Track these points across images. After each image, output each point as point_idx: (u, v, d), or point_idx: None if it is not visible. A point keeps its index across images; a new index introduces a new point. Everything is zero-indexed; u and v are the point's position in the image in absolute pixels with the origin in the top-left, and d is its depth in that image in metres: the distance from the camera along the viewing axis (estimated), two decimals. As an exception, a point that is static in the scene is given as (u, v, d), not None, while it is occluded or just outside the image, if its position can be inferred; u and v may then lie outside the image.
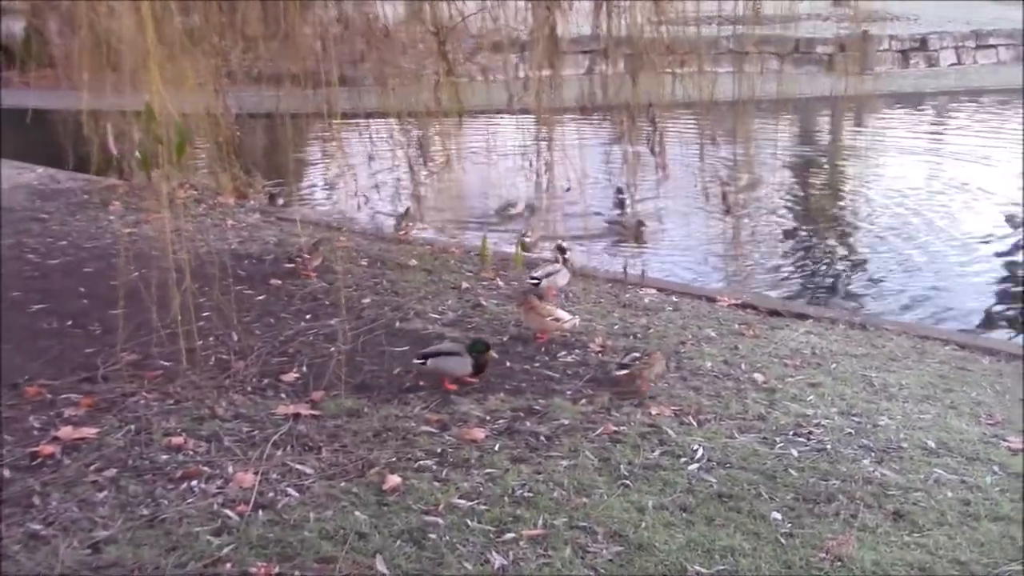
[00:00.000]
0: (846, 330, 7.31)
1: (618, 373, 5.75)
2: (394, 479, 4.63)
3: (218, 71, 7.66)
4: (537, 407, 5.55)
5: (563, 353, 6.47)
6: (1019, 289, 9.22)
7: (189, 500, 4.44)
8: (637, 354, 5.78)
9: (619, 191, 11.05)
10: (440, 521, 4.29)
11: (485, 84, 8.13)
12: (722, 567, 4.01)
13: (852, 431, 5.37)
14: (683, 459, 4.96)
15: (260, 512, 4.36)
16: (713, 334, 7.01)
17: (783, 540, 4.21)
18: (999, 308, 8.88)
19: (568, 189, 7.61)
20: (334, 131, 7.21)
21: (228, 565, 3.96)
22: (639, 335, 6.89)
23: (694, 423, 5.40)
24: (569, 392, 5.80)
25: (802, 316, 7.60)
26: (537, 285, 7.41)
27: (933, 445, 5.21)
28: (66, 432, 5.02)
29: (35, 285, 7.69)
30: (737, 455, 5.01)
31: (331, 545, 4.10)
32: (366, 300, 7.44)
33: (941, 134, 18.19)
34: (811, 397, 5.85)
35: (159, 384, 5.72)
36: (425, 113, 7.80)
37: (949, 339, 7.25)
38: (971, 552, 4.16)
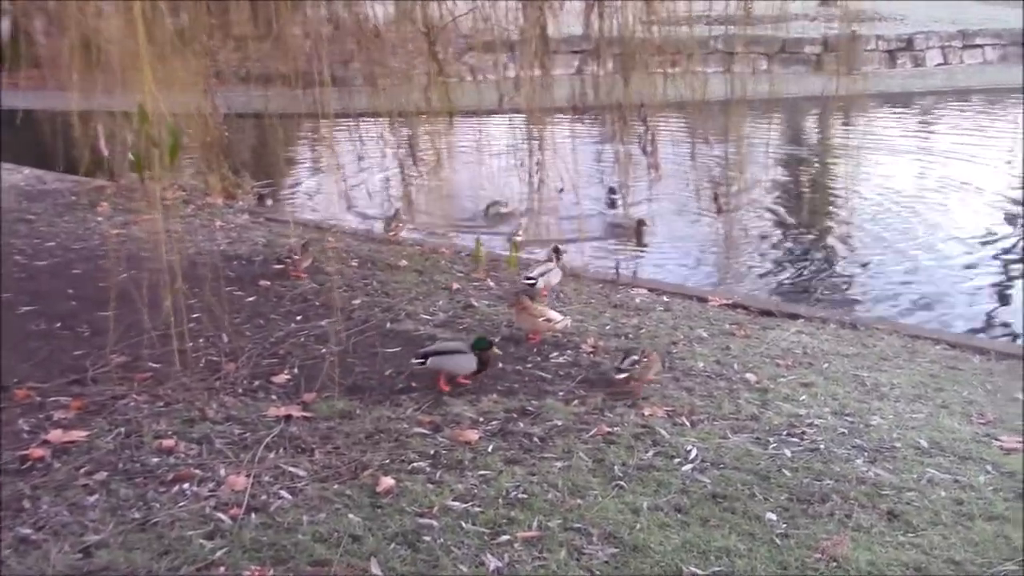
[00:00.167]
0: (837, 330, 7.32)
1: (618, 377, 5.74)
2: (387, 481, 4.60)
3: (206, 71, 7.63)
4: (530, 408, 5.53)
5: (555, 354, 6.46)
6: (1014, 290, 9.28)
7: (181, 503, 4.41)
8: (635, 358, 5.76)
9: (611, 191, 11.04)
10: (434, 523, 4.27)
11: (475, 84, 8.10)
12: (718, 568, 4.00)
13: (845, 431, 5.37)
14: (677, 460, 4.95)
15: (253, 515, 4.33)
16: (704, 334, 7.01)
17: (778, 541, 4.20)
18: (997, 309, 8.90)
19: (561, 189, 7.60)
20: (323, 131, 7.19)
21: (221, 569, 3.92)
22: (631, 335, 6.89)
23: (687, 424, 5.39)
24: (562, 393, 5.79)
25: (793, 316, 7.61)
26: (533, 285, 7.40)
27: (926, 445, 5.21)
28: (56, 435, 4.98)
29: (23, 287, 7.63)
30: (731, 455, 5.00)
31: (325, 548, 4.07)
32: (356, 301, 7.42)
33: (930, 133, 18.25)
34: (803, 397, 5.85)
35: (149, 386, 5.68)
36: (415, 113, 7.78)
37: (939, 338, 7.27)
38: (966, 552, 4.16)
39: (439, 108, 7.59)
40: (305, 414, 5.37)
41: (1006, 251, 10.51)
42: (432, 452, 4.96)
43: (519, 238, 9.61)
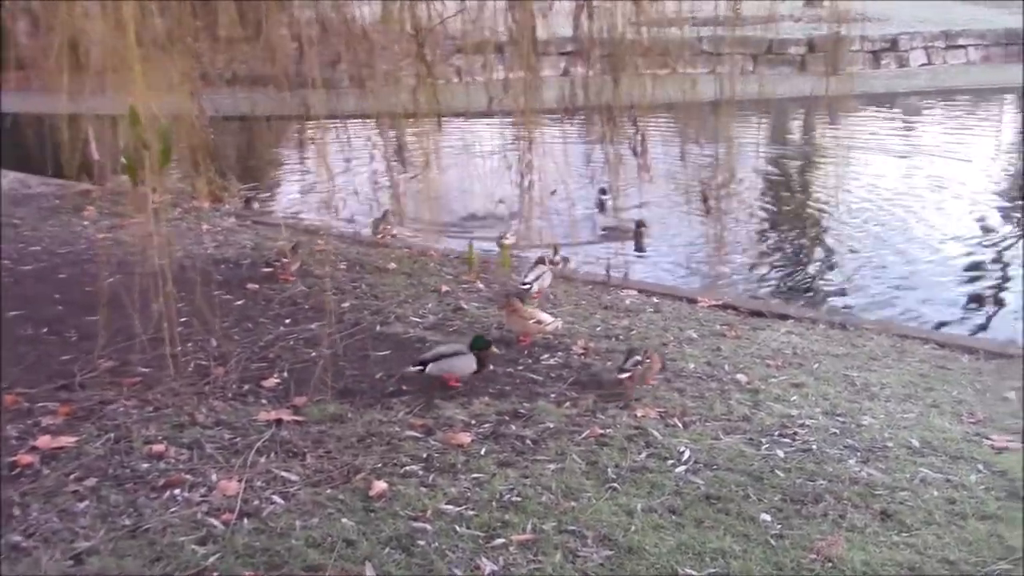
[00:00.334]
0: (826, 330, 7.32)
1: (620, 377, 5.73)
2: (380, 485, 4.58)
3: (192, 73, 7.58)
4: (522, 410, 5.51)
5: (546, 356, 6.44)
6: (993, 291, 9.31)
7: (172, 509, 4.37)
8: (639, 358, 5.75)
9: (602, 191, 11.01)
10: (428, 527, 4.25)
11: (464, 86, 8.08)
12: (713, 570, 4.00)
13: (836, 431, 5.37)
14: (670, 461, 4.94)
15: (245, 520, 4.30)
16: (695, 335, 7.01)
17: (773, 542, 4.20)
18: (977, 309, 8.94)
19: (554, 191, 7.59)
20: (311, 134, 7.15)
21: (214, 575, 3.90)
22: (621, 336, 6.88)
23: (679, 425, 5.39)
24: (553, 395, 5.77)
25: (783, 316, 7.61)
26: (528, 290, 7.37)
27: (917, 444, 5.22)
28: (44, 441, 4.93)
29: (8, 291, 7.56)
30: (723, 456, 5.00)
31: (319, 553, 4.04)
32: (346, 304, 7.39)
33: (915, 133, 18.33)
34: (794, 397, 5.86)
35: (138, 391, 5.64)
36: (403, 115, 7.74)
37: (928, 338, 7.29)
38: (959, 551, 4.16)
39: (427, 110, 7.56)
40: (296, 418, 5.35)
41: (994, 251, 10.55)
42: (424, 455, 4.94)
43: (508, 240, 9.58)
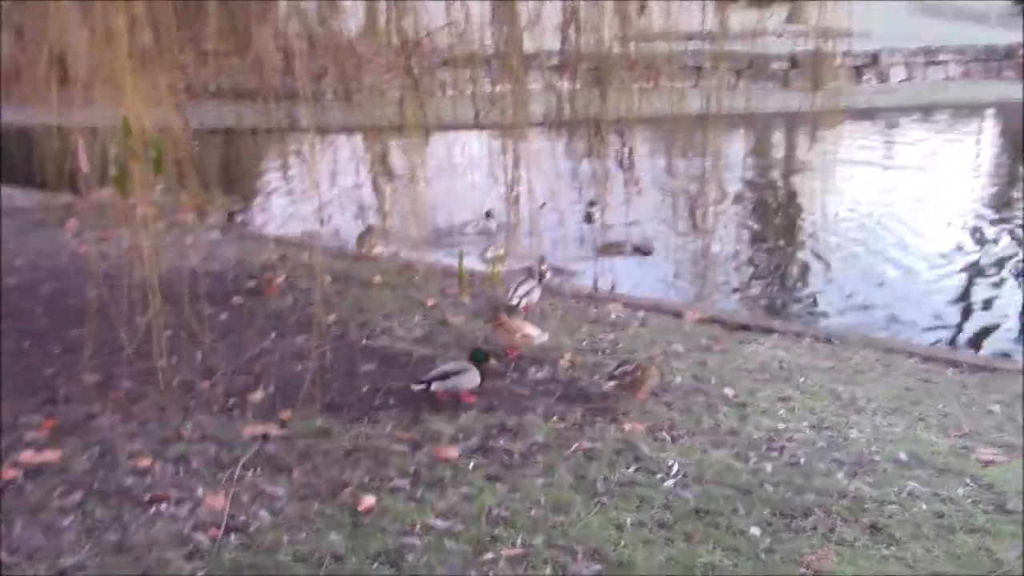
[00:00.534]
0: (812, 343, 7.33)
1: (609, 384, 5.73)
2: (368, 499, 4.56)
3: (178, 85, 7.55)
4: (510, 424, 5.50)
5: (533, 369, 6.43)
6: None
7: (158, 524, 4.34)
8: (627, 368, 5.76)
9: (591, 203, 10.98)
10: (417, 542, 4.23)
11: (451, 99, 8.09)
12: (703, 584, 3.99)
13: (824, 445, 5.38)
14: (659, 475, 4.93)
15: (232, 535, 4.27)
16: (681, 349, 7.00)
17: (763, 556, 4.20)
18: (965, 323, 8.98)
19: (543, 204, 7.58)
20: (296, 147, 7.13)
21: (201, 591, 3.87)
22: (608, 351, 6.87)
23: (668, 439, 5.39)
24: (541, 409, 5.76)
25: (768, 330, 7.62)
26: (516, 307, 7.34)
27: (905, 458, 5.22)
28: (28, 456, 4.89)
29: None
30: (712, 470, 4.99)
31: (306, 568, 4.02)
32: (331, 317, 7.35)
33: (897, 149, 18.45)
34: (781, 411, 5.86)
35: (123, 405, 5.60)
36: (389, 128, 7.74)
37: (913, 352, 7.30)
38: (948, 565, 4.17)
39: (413, 123, 7.56)
40: (282, 432, 5.32)
41: (973, 265, 10.61)
42: (412, 470, 4.92)
43: (493, 254, 9.55)
